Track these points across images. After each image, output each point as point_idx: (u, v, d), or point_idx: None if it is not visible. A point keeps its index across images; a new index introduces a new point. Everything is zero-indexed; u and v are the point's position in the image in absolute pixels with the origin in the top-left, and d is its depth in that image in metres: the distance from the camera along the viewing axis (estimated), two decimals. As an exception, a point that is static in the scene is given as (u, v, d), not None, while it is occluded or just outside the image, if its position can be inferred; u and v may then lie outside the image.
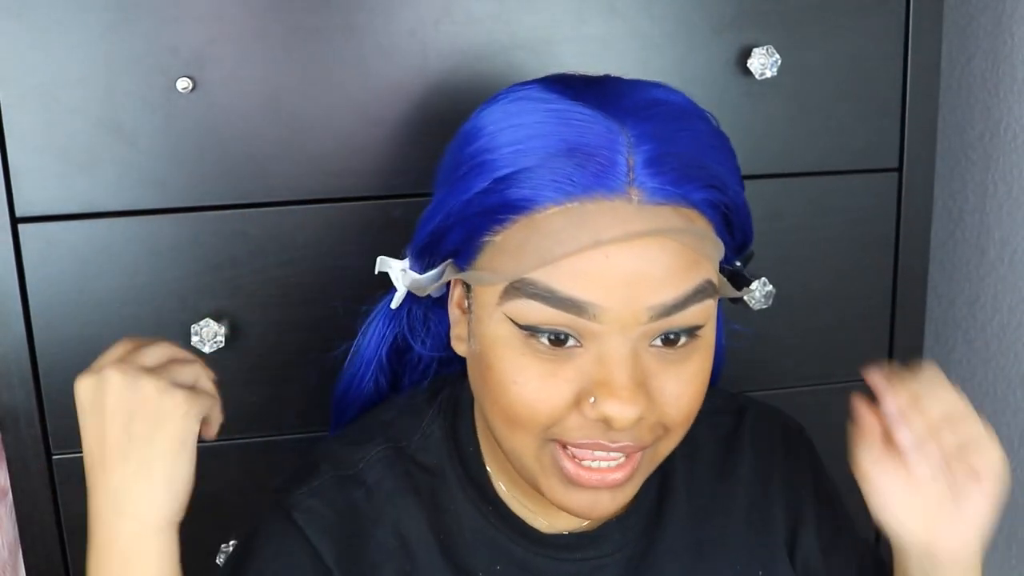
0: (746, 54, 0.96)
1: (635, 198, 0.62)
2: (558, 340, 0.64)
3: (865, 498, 0.71)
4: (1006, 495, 0.70)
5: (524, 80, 0.71)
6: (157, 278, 0.93)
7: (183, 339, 0.94)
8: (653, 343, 0.65)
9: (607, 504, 0.67)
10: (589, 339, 0.64)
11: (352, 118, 0.93)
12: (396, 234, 0.92)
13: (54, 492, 0.96)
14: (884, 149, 1.03)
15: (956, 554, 0.70)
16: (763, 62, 0.96)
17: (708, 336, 0.67)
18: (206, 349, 0.92)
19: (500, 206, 0.64)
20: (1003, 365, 1.18)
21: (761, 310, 1.02)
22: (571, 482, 0.67)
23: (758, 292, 1.01)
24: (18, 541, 0.99)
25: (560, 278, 0.62)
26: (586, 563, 0.74)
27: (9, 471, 0.95)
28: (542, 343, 0.64)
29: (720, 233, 0.68)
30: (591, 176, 0.62)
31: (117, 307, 0.93)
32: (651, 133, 0.63)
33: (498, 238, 0.65)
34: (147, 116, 0.90)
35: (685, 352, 0.66)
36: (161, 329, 0.94)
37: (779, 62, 0.96)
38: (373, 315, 0.83)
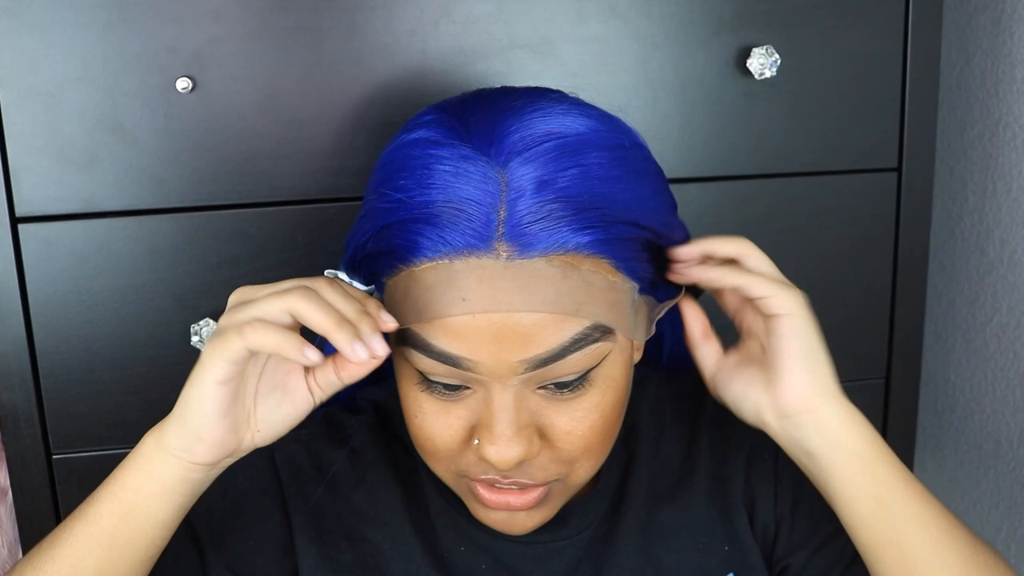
0: (745, 54, 0.96)
1: (503, 254, 0.63)
2: (449, 386, 0.67)
3: (729, 406, 0.73)
4: (813, 321, 0.70)
5: (447, 98, 0.72)
6: (157, 277, 0.93)
7: (182, 338, 0.94)
8: (541, 387, 0.67)
9: (523, 522, 0.71)
10: (475, 384, 0.66)
11: (352, 118, 0.93)
12: (396, 234, 0.93)
13: (54, 492, 0.96)
14: (883, 149, 1.03)
15: (794, 401, 0.69)
16: (762, 62, 0.96)
17: (605, 372, 0.68)
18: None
19: (385, 252, 0.66)
20: (1003, 365, 1.18)
21: (761, 310, 1.02)
22: (484, 505, 0.71)
23: (758, 292, 1.01)
24: (18, 541, 0.99)
25: (434, 333, 0.64)
26: (544, 546, 0.77)
27: (9, 471, 0.95)
28: (436, 385, 0.67)
29: (632, 261, 0.67)
30: (459, 234, 0.63)
31: (116, 306, 0.93)
32: (531, 177, 0.63)
33: (390, 282, 0.67)
34: (147, 116, 0.90)
35: (578, 391, 0.67)
36: (160, 328, 0.94)
37: (778, 62, 0.96)
38: None
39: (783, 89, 0.99)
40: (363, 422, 0.81)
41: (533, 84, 0.94)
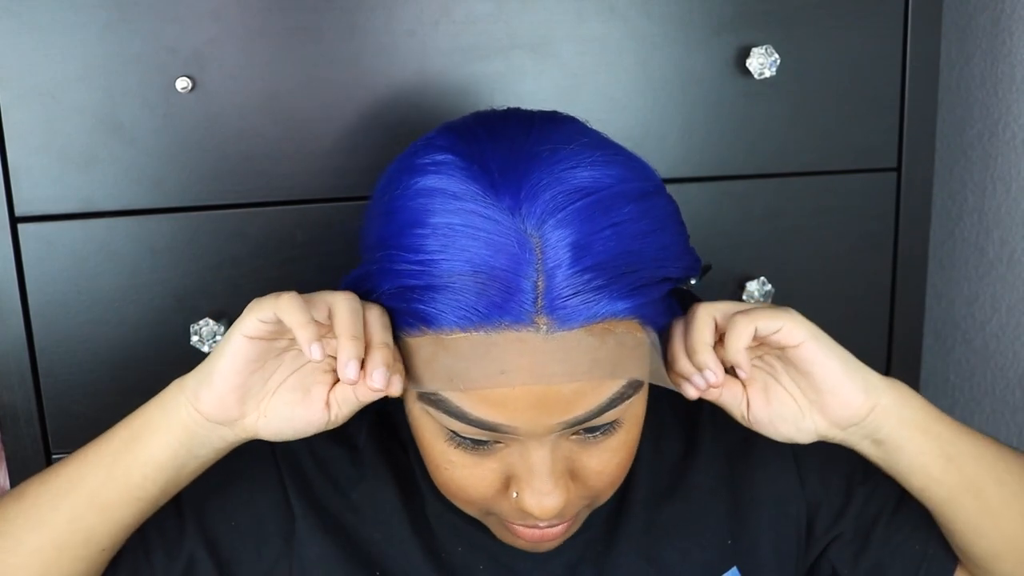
0: (745, 54, 0.96)
1: (543, 327, 0.61)
2: (479, 440, 0.66)
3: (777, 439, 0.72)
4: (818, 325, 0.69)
5: (461, 117, 0.70)
6: (156, 277, 0.93)
7: (182, 338, 0.94)
8: (574, 433, 0.67)
9: (551, 544, 0.73)
10: (508, 440, 0.66)
11: (351, 118, 0.93)
12: (395, 234, 0.92)
13: (54, 492, 0.96)
14: (883, 149, 1.03)
15: (855, 411, 0.69)
16: (762, 62, 0.96)
17: (631, 412, 0.68)
18: (205, 348, 0.92)
19: (408, 314, 0.64)
20: (1002, 365, 1.18)
21: (760, 310, 1.02)
22: (514, 535, 0.71)
23: (757, 292, 1.01)
24: (18, 541, 0.99)
25: (469, 402, 0.63)
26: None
27: (9, 471, 0.95)
28: (466, 441, 0.66)
29: (659, 314, 0.67)
30: (495, 307, 0.61)
31: (116, 306, 0.93)
32: (568, 243, 0.61)
33: (411, 341, 0.65)
34: (146, 116, 0.90)
35: (609, 433, 0.68)
36: (160, 328, 0.94)
37: (778, 62, 0.96)
38: None
39: (782, 89, 0.99)
40: (362, 422, 0.81)
41: (533, 84, 0.94)
